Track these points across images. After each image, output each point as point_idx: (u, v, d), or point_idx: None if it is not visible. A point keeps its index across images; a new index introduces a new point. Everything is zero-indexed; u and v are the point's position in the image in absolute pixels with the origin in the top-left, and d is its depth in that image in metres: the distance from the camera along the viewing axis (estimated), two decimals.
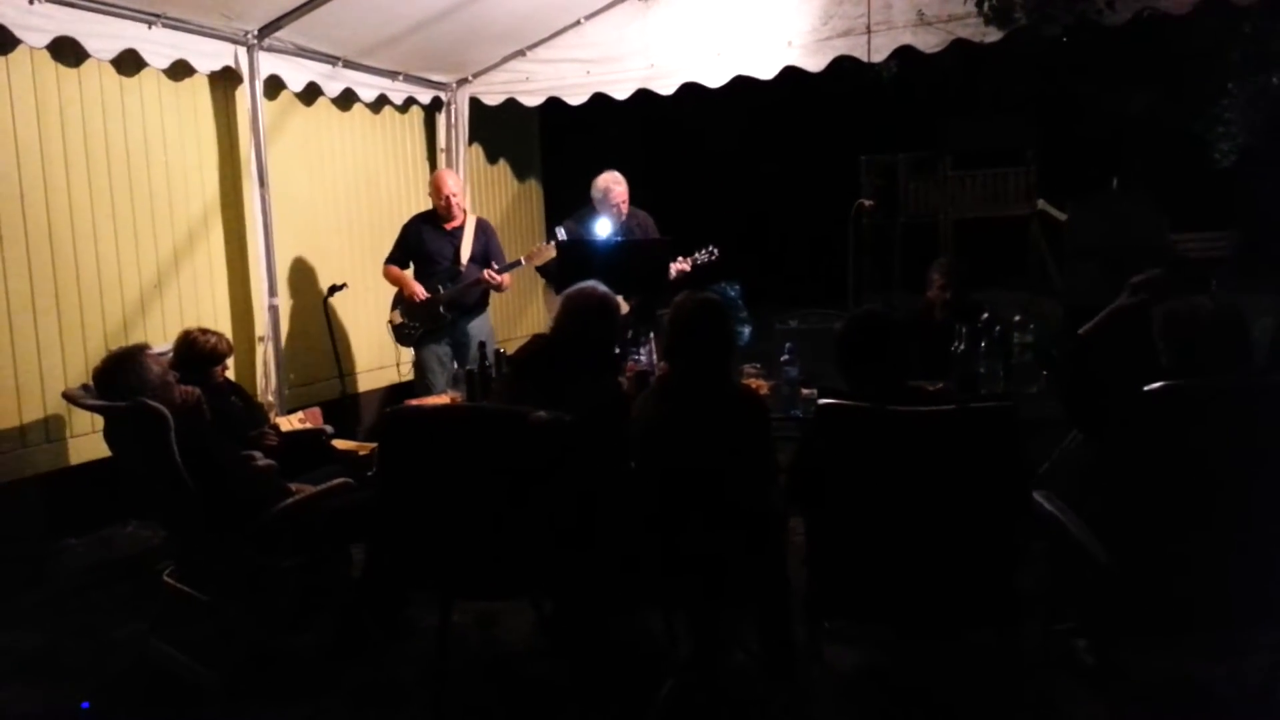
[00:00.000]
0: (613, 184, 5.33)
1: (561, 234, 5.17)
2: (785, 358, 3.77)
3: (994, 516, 2.56)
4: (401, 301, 5.48)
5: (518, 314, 7.63)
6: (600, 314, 3.28)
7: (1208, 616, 2.55)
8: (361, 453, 4.13)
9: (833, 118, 11.95)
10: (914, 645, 3.37)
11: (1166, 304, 2.88)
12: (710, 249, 5.20)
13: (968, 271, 4.91)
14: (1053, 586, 3.11)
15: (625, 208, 5.34)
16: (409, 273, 5.50)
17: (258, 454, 3.76)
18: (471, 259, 5.44)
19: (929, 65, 5.65)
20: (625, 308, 4.48)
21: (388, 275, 5.52)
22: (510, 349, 4.03)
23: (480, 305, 5.58)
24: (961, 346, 3.94)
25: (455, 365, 5.23)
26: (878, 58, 5.53)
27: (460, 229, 5.48)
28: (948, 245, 10.86)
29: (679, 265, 5.14)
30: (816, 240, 8.47)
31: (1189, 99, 8.52)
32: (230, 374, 4.42)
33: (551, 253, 5.13)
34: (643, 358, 4.09)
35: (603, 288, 3.32)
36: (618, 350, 3.84)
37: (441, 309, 5.38)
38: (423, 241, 5.46)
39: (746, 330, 9.28)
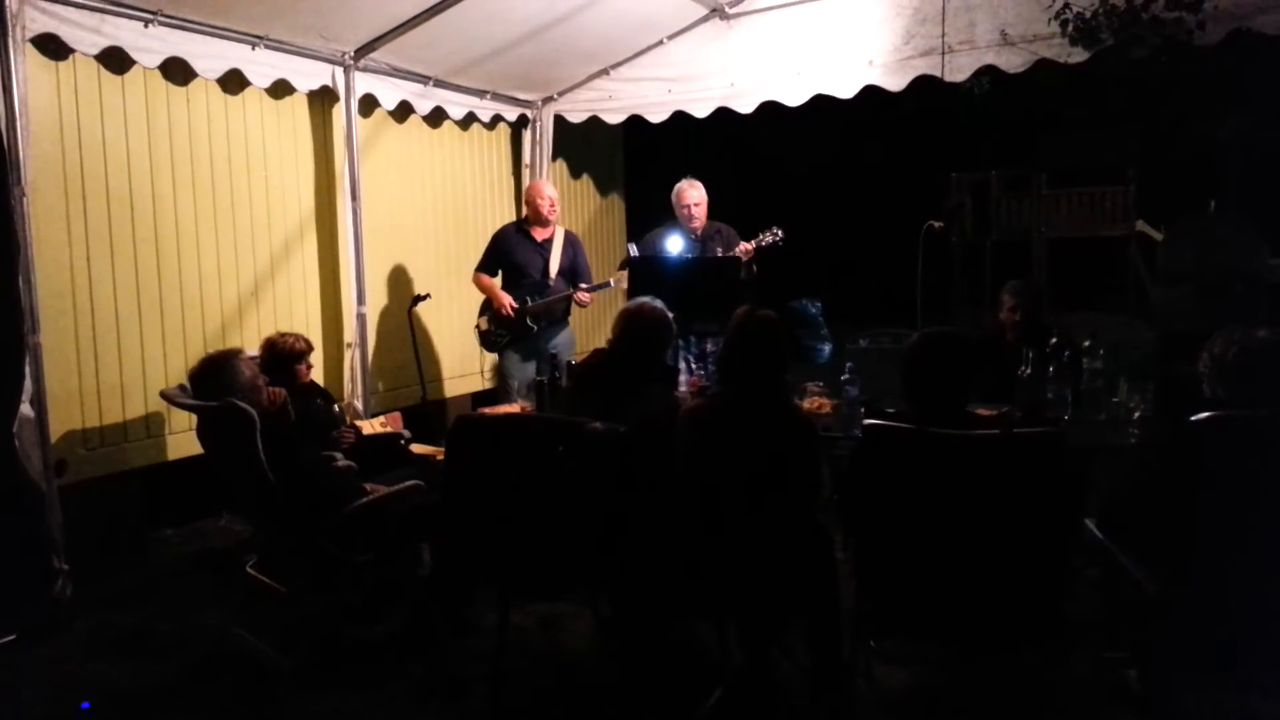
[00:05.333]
0: (686, 187, 5.42)
1: (633, 250, 5.27)
2: (846, 377, 3.79)
3: (1039, 541, 2.56)
4: (489, 309, 5.62)
5: (598, 326, 7.76)
6: (653, 329, 3.38)
7: (1255, 653, 2.50)
8: (438, 457, 4.29)
9: (923, 134, 11.80)
10: (962, 667, 3.36)
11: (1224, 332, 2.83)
12: (775, 230, 5.21)
13: (1043, 294, 4.85)
14: (1106, 614, 3.08)
15: (696, 212, 5.40)
16: (497, 282, 5.64)
17: (338, 455, 3.96)
18: (559, 272, 5.58)
19: (1022, 82, 5.57)
20: None
21: (477, 283, 5.66)
22: None
23: (564, 318, 5.70)
24: (1028, 371, 3.91)
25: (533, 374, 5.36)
26: (959, 77, 5.48)
27: (550, 241, 5.61)
28: (1042, 265, 10.62)
29: (744, 248, 5.17)
30: (902, 259, 8.41)
31: None
32: (319, 377, 4.64)
33: None
34: (708, 369, 4.16)
35: (657, 303, 3.41)
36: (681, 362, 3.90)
37: (528, 320, 5.50)
38: (513, 251, 5.59)
39: (827, 348, 9.23)
